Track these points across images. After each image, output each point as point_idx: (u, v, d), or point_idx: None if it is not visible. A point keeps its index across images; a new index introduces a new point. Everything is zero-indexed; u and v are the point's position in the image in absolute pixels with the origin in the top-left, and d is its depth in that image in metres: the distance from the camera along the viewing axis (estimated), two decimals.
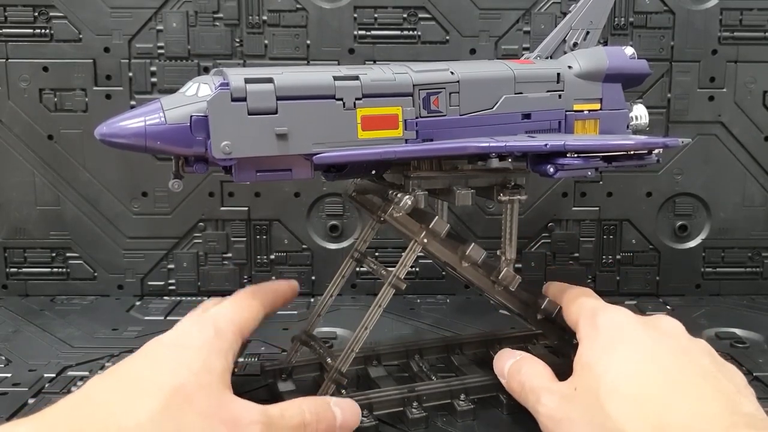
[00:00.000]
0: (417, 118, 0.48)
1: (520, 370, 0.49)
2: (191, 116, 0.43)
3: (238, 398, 0.42)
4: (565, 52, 0.58)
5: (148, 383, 0.40)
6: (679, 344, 0.44)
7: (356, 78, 0.47)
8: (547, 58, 0.58)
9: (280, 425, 0.42)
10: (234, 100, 0.43)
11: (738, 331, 0.70)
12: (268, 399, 0.52)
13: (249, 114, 0.44)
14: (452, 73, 0.50)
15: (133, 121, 0.43)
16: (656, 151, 0.49)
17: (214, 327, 0.45)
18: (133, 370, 0.42)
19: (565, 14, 0.69)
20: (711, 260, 0.82)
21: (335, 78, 0.46)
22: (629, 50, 0.56)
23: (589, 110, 0.55)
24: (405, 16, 0.77)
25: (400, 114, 0.48)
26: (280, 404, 0.43)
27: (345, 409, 0.46)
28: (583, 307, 0.50)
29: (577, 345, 0.48)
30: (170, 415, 0.38)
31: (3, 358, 0.63)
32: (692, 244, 0.82)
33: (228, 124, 0.43)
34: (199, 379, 0.41)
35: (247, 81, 0.44)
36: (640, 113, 0.57)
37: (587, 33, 0.59)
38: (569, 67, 0.55)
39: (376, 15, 0.77)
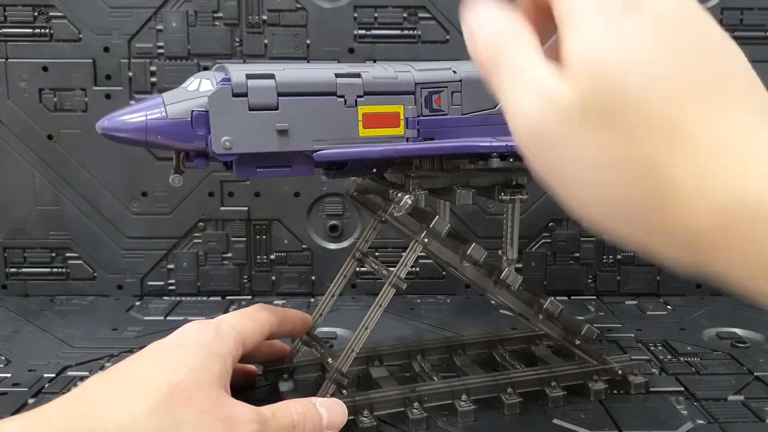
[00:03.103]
0: (418, 116, 0.48)
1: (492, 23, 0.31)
2: (192, 111, 0.43)
3: (233, 399, 0.42)
4: None
5: (146, 380, 0.40)
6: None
7: (358, 75, 0.47)
8: None
9: (272, 425, 0.42)
10: (235, 95, 0.43)
11: (739, 331, 0.70)
12: (269, 399, 0.52)
13: (250, 110, 0.44)
14: (455, 72, 0.50)
15: (135, 116, 0.43)
16: None
17: (215, 330, 0.46)
18: (131, 368, 0.42)
19: None
20: None
21: (337, 75, 0.46)
22: None
23: None
24: (405, 15, 0.77)
25: (401, 112, 0.48)
26: (271, 406, 0.43)
27: (331, 409, 0.46)
28: None
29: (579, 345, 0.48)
30: (167, 411, 0.38)
31: (3, 358, 0.63)
32: None
33: (229, 119, 0.43)
34: (198, 376, 0.41)
35: (249, 77, 0.44)
36: None
37: None
38: None
39: (376, 14, 0.77)
